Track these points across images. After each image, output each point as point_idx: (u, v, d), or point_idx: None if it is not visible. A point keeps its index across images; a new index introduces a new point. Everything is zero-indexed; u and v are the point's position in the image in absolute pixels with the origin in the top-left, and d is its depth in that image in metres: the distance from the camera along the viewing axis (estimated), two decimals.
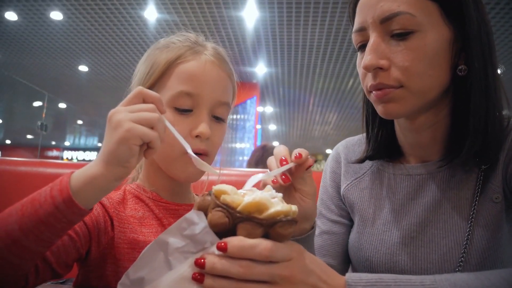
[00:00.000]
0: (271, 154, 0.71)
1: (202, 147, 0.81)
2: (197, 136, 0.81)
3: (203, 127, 0.80)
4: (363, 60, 0.76)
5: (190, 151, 0.67)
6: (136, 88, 0.62)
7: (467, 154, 0.76)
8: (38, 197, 0.56)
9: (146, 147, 0.59)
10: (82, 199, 0.55)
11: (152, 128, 0.58)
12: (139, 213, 0.83)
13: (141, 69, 0.88)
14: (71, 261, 0.70)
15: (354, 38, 0.82)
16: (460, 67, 0.76)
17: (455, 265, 0.75)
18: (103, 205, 0.78)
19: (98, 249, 0.75)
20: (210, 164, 0.89)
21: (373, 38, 0.76)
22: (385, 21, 0.74)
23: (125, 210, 0.81)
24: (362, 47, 0.81)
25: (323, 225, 0.99)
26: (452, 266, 0.75)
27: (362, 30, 0.78)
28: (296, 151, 0.69)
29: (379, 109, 0.79)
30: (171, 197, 0.88)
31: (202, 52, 0.86)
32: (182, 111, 0.81)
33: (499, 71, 0.79)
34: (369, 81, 0.78)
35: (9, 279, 0.56)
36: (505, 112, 0.78)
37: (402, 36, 0.73)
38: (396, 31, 0.73)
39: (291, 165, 0.68)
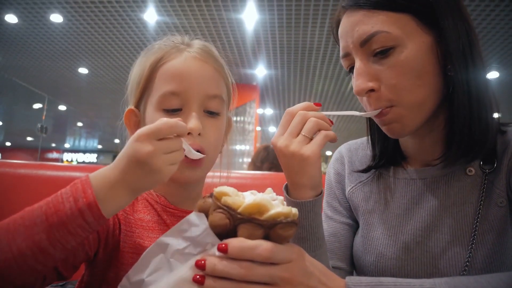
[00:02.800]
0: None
1: (195, 145, 0.78)
2: (189, 134, 0.78)
3: (191, 123, 0.78)
4: (354, 86, 0.78)
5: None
6: (160, 120, 0.62)
7: (456, 153, 0.77)
8: (62, 208, 0.56)
9: None
10: (108, 213, 0.59)
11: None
12: (147, 217, 0.82)
13: (131, 78, 0.88)
14: (79, 263, 0.71)
15: (343, 63, 0.84)
16: (449, 67, 0.76)
17: (460, 269, 0.75)
18: None
19: (104, 252, 0.75)
20: (211, 164, 0.87)
21: (357, 63, 0.77)
22: (364, 43, 0.76)
23: (134, 213, 0.81)
24: (352, 69, 0.82)
25: (330, 228, 0.98)
26: (458, 270, 0.75)
27: (347, 55, 0.81)
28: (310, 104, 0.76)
29: (385, 130, 0.81)
30: (180, 204, 0.86)
31: (185, 50, 0.85)
32: (172, 112, 0.80)
33: (497, 74, 0.79)
34: (365, 104, 0.81)
35: (21, 284, 0.57)
36: (496, 115, 0.79)
37: (383, 53, 0.75)
38: (376, 50, 0.75)
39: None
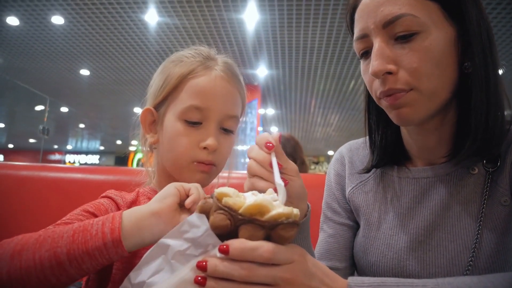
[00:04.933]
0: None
1: (209, 158, 0.85)
2: (205, 148, 0.85)
3: (210, 140, 0.84)
4: (371, 66, 0.75)
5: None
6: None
7: (469, 151, 0.75)
8: (90, 228, 0.60)
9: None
10: (128, 241, 0.61)
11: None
12: None
13: (156, 81, 0.93)
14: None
15: (356, 46, 0.81)
16: (465, 64, 0.75)
17: (463, 269, 0.74)
18: (116, 204, 0.82)
19: None
20: (218, 173, 0.93)
21: (377, 43, 0.75)
22: (387, 25, 0.73)
23: None
24: (365, 54, 0.80)
25: (330, 229, 0.97)
26: (460, 270, 0.74)
27: (364, 36, 0.78)
28: (263, 142, 0.68)
29: (392, 115, 0.79)
30: None
31: (213, 67, 0.89)
32: (192, 124, 0.85)
33: (500, 71, 0.79)
34: (377, 88, 0.77)
35: None
36: (507, 112, 0.78)
37: (406, 38, 0.73)
38: (400, 33, 0.73)
39: (275, 162, 0.66)
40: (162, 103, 0.90)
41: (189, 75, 0.87)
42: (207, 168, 0.86)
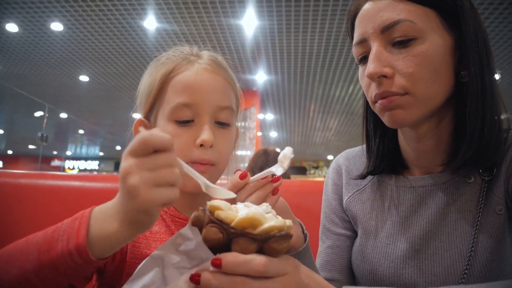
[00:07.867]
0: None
1: (207, 157, 0.80)
2: (201, 146, 0.79)
3: (205, 135, 0.78)
4: (367, 68, 0.76)
5: (206, 183, 0.63)
6: (139, 133, 0.50)
7: (464, 157, 0.76)
8: (55, 247, 0.53)
9: None
10: (99, 253, 0.54)
11: (172, 185, 0.51)
12: (155, 228, 0.82)
13: (141, 89, 0.89)
14: (90, 274, 0.70)
15: (355, 51, 0.82)
16: (462, 73, 0.76)
17: (459, 277, 0.74)
18: None
19: (113, 263, 0.74)
20: (220, 174, 0.87)
21: (375, 47, 0.76)
22: (386, 30, 0.75)
23: None
24: (363, 59, 0.81)
25: (328, 240, 0.98)
26: (456, 278, 0.74)
27: (363, 41, 0.79)
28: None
29: (385, 118, 0.79)
30: (189, 213, 0.85)
31: (196, 61, 0.85)
32: (183, 123, 0.80)
33: (497, 77, 0.80)
34: (373, 90, 0.78)
35: None
36: (503, 116, 0.78)
37: (403, 43, 0.74)
38: (397, 38, 0.74)
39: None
40: (151, 111, 0.86)
41: (171, 74, 0.82)
42: (205, 168, 0.80)
